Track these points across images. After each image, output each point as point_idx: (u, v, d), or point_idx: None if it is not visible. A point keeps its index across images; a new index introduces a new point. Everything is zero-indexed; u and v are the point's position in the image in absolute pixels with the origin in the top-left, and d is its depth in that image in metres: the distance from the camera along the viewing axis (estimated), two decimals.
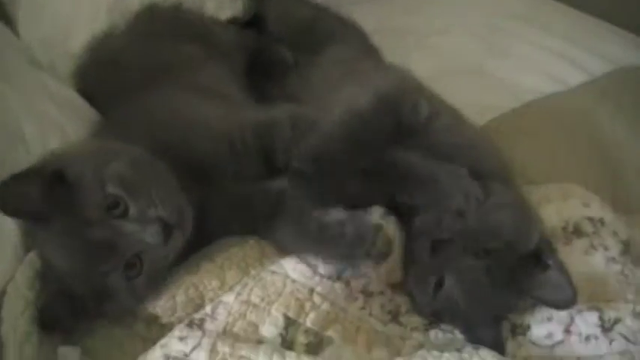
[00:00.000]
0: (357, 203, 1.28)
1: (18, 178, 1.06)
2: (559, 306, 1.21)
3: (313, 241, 1.20)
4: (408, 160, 1.31)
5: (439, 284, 1.22)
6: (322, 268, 1.18)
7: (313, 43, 1.88)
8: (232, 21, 2.00)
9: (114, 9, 1.79)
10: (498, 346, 1.16)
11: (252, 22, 2.06)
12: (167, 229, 1.10)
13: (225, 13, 1.98)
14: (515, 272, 1.22)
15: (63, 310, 1.11)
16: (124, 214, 1.10)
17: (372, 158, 1.31)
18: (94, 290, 1.11)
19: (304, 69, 1.80)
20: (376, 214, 1.28)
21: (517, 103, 1.90)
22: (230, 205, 1.29)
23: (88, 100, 1.57)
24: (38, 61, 1.72)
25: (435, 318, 1.25)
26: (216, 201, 1.28)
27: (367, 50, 1.94)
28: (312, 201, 1.27)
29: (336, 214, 1.20)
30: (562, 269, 1.22)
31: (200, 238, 1.24)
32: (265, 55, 1.92)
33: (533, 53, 2.20)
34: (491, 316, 1.22)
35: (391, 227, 1.28)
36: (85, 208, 1.09)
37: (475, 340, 1.18)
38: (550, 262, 1.23)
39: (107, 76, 1.60)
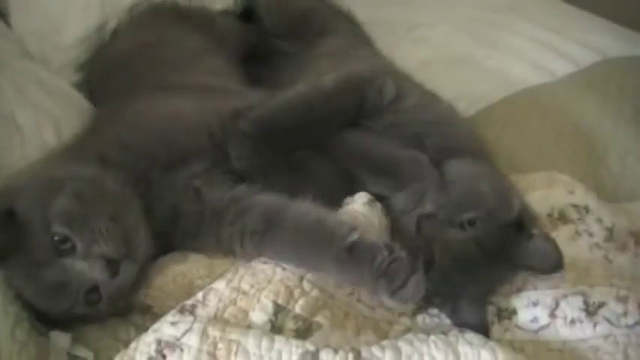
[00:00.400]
0: (314, 186, 1.31)
1: None
2: (547, 271, 1.24)
3: (331, 259, 1.16)
4: (369, 147, 1.35)
5: (429, 262, 1.22)
6: None
7: (308, 34, 1.90)
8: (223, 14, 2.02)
9: (106, 3, 1.81)
10: (483, 329, 1.18)
11: (244, 15, 2.08)
12: (113, 265, 1.10)
13: (215, 6, 2.00)
14: (501, 242, 1.25)
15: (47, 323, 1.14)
16: (72, 251, 1.10)
17: (330, 139, 1.34)
18: (65, 316, 1.14)
19: (299, 59, 1.81)
20: (360, 201, 1.29)
21: (505, 93, 1.90)
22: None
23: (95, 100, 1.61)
24: (30, 52, 1.74)
25: (425, 301, 1.25)
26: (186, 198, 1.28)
27: (361, 40, 1.96)
28: (250, 166, 1.29)
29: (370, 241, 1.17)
30: (546, 236, 1.25)
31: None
32: (261, 45, 1.94)
33: (520, 44, 2.21)
34: (482, 291, 1.24)
35: (376, 214, 1.28)
36: (34, 248, 1.10)
37: (461, 323, 1.20)
38: (534, 230, 1.26)
39: (112, 75, 1.62)
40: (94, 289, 1.12)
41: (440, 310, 1.25)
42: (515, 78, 2.00)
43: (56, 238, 1.09)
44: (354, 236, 1.15)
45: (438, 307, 1.26)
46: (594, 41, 2.18)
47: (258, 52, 1.95)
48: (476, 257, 1.23)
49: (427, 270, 1.20)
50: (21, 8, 1.81)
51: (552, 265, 1.23)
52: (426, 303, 1.26)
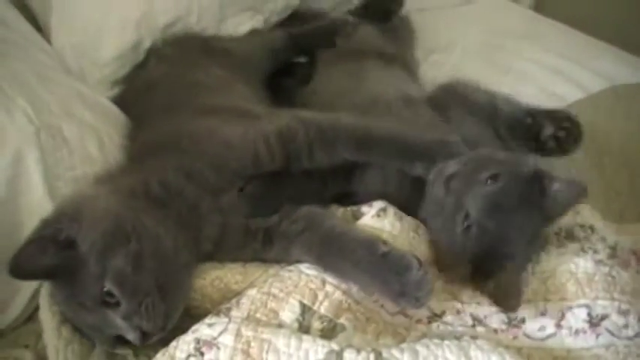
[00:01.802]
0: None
1: (33, 243, 1.13)
2: (577, 200, 1.38)
3: (368, 269, 1.23)
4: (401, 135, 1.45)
5: (466, 218, 1.31)
6: None
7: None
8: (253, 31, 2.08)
9: (141, 23, 1.87)
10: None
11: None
12: (146, 336, 1.16)
13: (245, 27, 2.06)
14: (526, 192, 1.33)
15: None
16: (116, 305, 1.14)
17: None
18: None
19: (322, 78, 1.87)
20: (369, 214, 1.38)
21: None
22: (245, 228, 1.36)
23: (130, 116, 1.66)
24: (68, 67, 1.81)
25: (471, 263, 1.33)
26: (233, 222, 1.35)
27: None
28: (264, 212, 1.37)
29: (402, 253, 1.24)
30: (562, 178, 1.35)
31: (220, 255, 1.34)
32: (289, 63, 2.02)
33: (531, 70, 2.24)
34: (524, 239, 1.34)
35: (387, 223, 1.36)
36: (83, 288, 1.14)
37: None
38: (552, 178, 1.35)
39: (141, 102, 1.68)
40: None
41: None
42: (526, 102, 1.98)
43: (106, 289, 1.13)
44: (387, 247, 1.23)
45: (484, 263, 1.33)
46: (604, 68, 2.20)
47: (286, 67, 2.04)
48: (508, 206, 1.31)
49: (466, 228, 1.31)
50: (62, 25, 1.88)
51: (578, 192, 1.35)
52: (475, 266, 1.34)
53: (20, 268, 1.12)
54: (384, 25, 2.18)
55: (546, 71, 2.24)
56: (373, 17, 2.21)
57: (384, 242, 1.25)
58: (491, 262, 1.32)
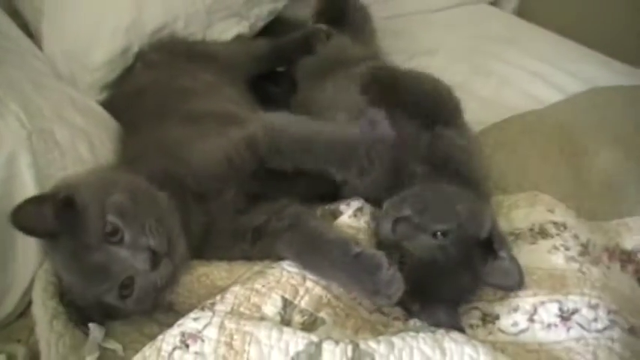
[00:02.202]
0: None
1: (34, 200, 1.20)
2: (508, 289, 1.35)
3: (342, 268, 1.28)
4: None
5: (402, 261, 1.31)
6: None
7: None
8: (238, 37, 2.12)
9: (130, 29, 1.91)
10: (458, 330, 1.25)
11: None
12: (155, 258, 1.20)
13: (231, 32, 2.10)
14: (468, 256, 1.33)
15: (76, 316, 1.25)
16: (120, 241, 1.20)
17: None
18: (94, 304, 1.23)
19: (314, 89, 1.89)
20: (347, 214, 1.43)
21: (498, 119, 1.96)
22: (233, 230, 1.41)
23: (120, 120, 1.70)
24: (60, 73, 1.84)
25: (403, 308, 1.36)
26: (220, 225, 1.40)
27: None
28: None
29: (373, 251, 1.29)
30: (512, 258, 1.34)
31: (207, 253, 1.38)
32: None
33: (512, 73, 2.29)
34: (453, 297, 1.34)
35: (362, 223, 1.42)
36: (87, 233, 1.20)
37: (437, 325, 1.27)
38: (501, 252, 1.34)
39: (130, 107, 1.72)
40: (130, 281, 1.22)
41: (418, 317, 1.33)
42: (507, 105, 2.07)
43: (108, 228, 1.20)
44: (360, 247, 1.28)
45: (416, 314, 1.34)
46: (583, 71, 2.25)
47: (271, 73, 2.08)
48: (441, 264, 1.31)
49: (401, 268, 1.29)
50: (53, 31, 1.92)
51: (513, 284, 1.33)
52: (404, 310, 1.36)
53: (21, 221, 1.17)
54: (352, 32, 2.18)
55: (527, 74, 2.29)
56: (330, 19, 2.21)
57: (357, 243, 1.31)
58: (420, 298, 1.34)
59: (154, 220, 1.23)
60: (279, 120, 1.50)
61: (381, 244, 1.38)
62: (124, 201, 1.23)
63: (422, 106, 1.52)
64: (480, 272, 1.35)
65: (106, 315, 1.26)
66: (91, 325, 1.23)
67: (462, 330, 1.27)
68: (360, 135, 1.43)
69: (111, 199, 1.22)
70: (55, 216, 1.19)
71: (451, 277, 1.33)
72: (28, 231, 1.22)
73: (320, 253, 1.30)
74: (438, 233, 1.33)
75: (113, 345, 1.24)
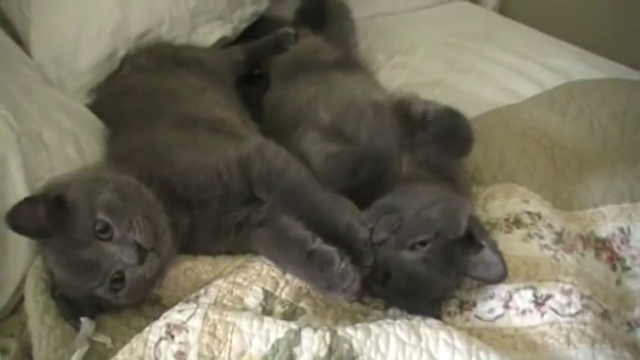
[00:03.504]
0: None
1: (28, 201, 1.24)
2: (492, 281, 1.35)
3: (299, 265, 1.32)
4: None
5: (386, 278, 1.33)
6: None
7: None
8: (221, 40, 2.16)
9: (116, 33, 1.95)
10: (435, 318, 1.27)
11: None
12: (142, 252, 1.24)
13: (215, 36, 2.14)
14: (451, 255, 1.34)
15: (67, 310, 1.28)
16: (110, 238, 1.24)
17: None
18: (86, 298, 1.27)
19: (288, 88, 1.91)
20: None
21: (476, 113, 1.90)
22: (217, 227, 1.44)
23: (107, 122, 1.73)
24: (48, 78, 1.88)
25: (388, 302, 1.40)
26: (204, 224, 1.43)
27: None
28: None
29: (327, 247, 1.30)
30: (494, 248, 1.33)
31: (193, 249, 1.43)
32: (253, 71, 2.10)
33: (491, 69, 2.31)
34: (434, 298, 1.35)
35: None
36: (77, 230, 1.23)
37: (416, 313, 1.29)
38: (483, 242, 1.34)
39: (119, 106, 1.75)
40: (120, 275, 1.25)
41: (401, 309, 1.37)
42: (485, 100, 2.09)
43: (98, 226, 1.23)
44: (315, 244, 1.32)
45: (399, 307, 1.38)
46: (560, 65, 2.27)
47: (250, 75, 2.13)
48: (426, 275, 1.32)
49: (384, 284, 1.34)
50: (41, 38, 1.95)
51: (497, 276, 1.33)
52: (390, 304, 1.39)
53: (15, 222, 1.21)
54: (329, 30, 2.23)
55: (505, 70, 2.31)
56: (311, 20, 2.26)
57: (314, 239, 1.33)
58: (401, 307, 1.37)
59: (141, 216, 1.26)
60: (281, 157, 1.47)
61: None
62: (113, 199, 1.26)
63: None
64: (463, 266, 1.36)
65: (98, 309, 1.30)
66: (82, 319, 1.26)
67: (438, 318, 1.30)
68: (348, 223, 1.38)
69: (100, 197, 1.26)
70: (47, 215, 1.23)
71: (436, 282, 1.35)
72: (23, 231, 1.26)
73: (283, 250, 1.35)
74: (417, 245, 1.34)
75: (102, 338, 1.26)
